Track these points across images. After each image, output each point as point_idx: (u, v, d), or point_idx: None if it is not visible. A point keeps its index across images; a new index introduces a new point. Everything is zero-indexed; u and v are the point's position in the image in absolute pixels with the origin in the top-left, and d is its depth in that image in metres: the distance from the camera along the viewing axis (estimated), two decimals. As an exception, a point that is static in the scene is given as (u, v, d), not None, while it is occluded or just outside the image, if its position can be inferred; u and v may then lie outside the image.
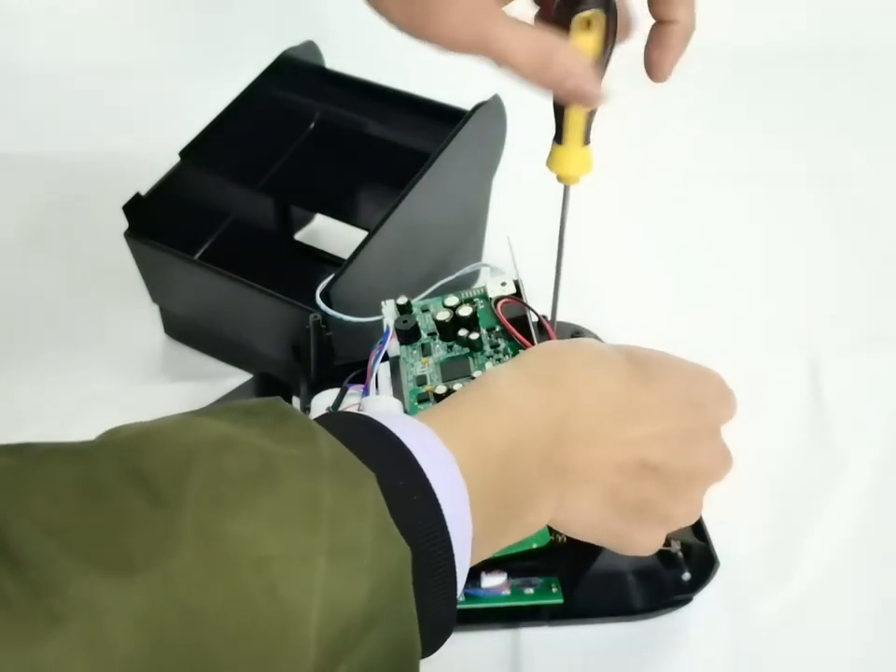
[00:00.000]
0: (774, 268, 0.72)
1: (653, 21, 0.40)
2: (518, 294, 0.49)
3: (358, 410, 0.41)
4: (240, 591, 0.25)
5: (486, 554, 0.35)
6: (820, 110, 0.86)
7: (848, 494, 0.56)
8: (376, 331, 0.50)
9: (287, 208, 0.72)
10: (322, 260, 0.72)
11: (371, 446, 0.31)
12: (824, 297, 0.69)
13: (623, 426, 0.37)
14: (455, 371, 0.47)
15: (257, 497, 0.26)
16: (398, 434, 0.31)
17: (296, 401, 0.57)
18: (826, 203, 0.77)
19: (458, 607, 0.32)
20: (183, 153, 0.64)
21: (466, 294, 0.50)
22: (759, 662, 0.49)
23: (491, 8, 0.37)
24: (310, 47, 0.71)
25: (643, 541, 0.40)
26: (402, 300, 0.50)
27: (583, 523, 0.38)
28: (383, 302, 0.50)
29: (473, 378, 0.46)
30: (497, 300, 0.49)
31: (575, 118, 0.41)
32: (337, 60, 0.72)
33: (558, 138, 0.43)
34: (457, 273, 0.53)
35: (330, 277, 0.54)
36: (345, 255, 0.56)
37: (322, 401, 0.50)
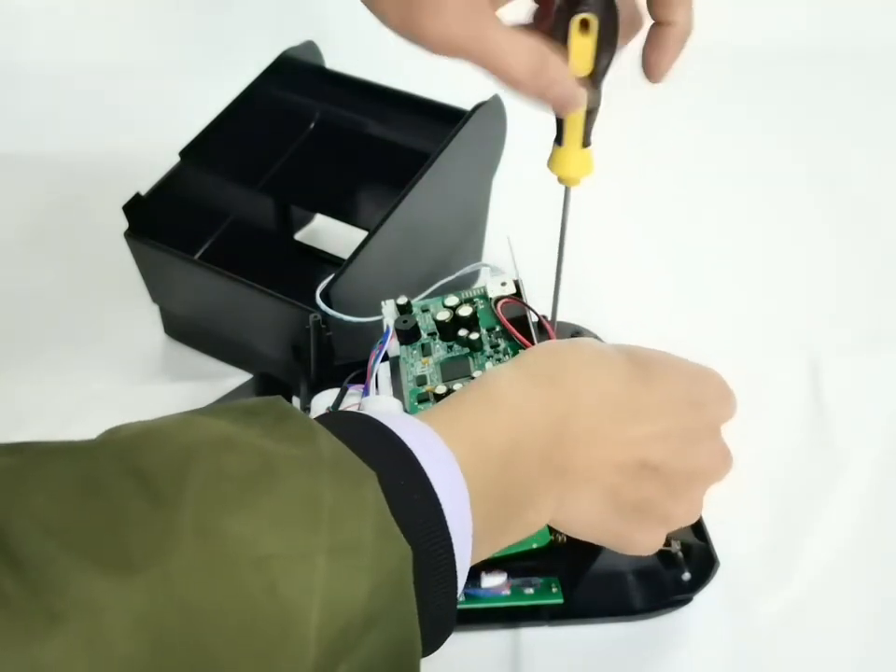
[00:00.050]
0: (774, 268, 0.72)
1: (652, 22, 0.40)
2: (518, 294, 0.49)
3: (358, 410, 0.41)
4: (240, 590, 0.25)
5: (486, 554, 0.35)
6: (820, 110, 0.86)
7: (848, 494, 0.56)
8: (376, 331, 0.50)
9: (287, 208, 0.72)
10: (322, 260, 0.72)
11: (372, 445, 0.31)
12: (824, 297, 0.69)
13: (623, 425, 0.37)
14: (454, 370, 0.47)
15: (257, 496, 0.26)
16: (398, 433, 0.31)
17: (296, 401, 0.57)
18: (826, 203, 0.77)
19: (458, 607, 0.32)
20: (183, 153, 0.64)
21: (466, 294, 0.50)
22: (759, 662, 0.49)
23: (485, 11, 0.37)
24: (310, 47, 0.71)
25: (643, 541, 0.40)
26: (402, 300, 0.50)
27: (583, 522, 0.38)
28: (383, 302, 0.50)
29: (473, 378, 0.46)
30: (497, 300, 0.49)
31: (576, 119, 0.41)
32: (337, 60, 0.72)
33: (559, 140, 0.43)
34: (457, 273, 0.53)
35: (330, 277, 0.54)
36: (345, 255, 0.56)
37: (322, 401, 0.50)
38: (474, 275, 0.60)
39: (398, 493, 0.29)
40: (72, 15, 0.91)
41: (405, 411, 0.46)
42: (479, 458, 0.34)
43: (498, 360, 0.47)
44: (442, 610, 0.31)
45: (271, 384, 0.58)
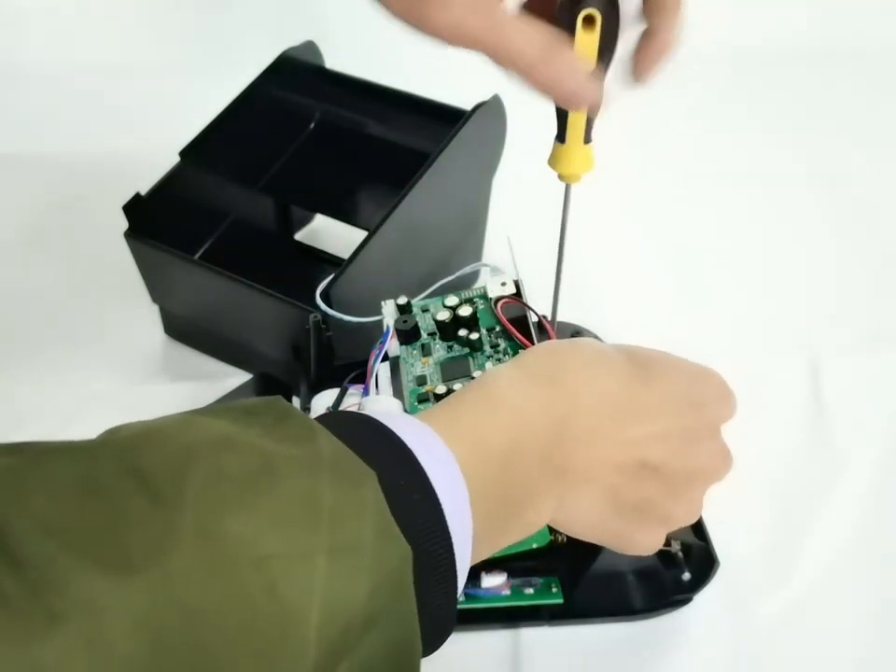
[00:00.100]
0: (774, 268, 0.72)
1: (643, 26, 0.40)
2: (518, 294, 0.49)
3: (358, 410, 0.41)
4: (240, 590, 0.25)
5: (486, 554, 0.35)
6: (820, 110, 0.86)
7: (848, 494, 0.56)
8: (376, 331, 0.50)
9: (287, 208, 0.72)
10: (322, 260, 0.72)
11: (372, 445, 0.31)
12: (824, 297, 0.69)
13: (623, 426, 0.37)
14: (455, 370, 0.47)
15: (257, 496, 0.26)
16: (398, 433, 0.31)
17: (296, 401, 0.57)
18: (826, 202, 0.77)
19: (458, 607, 0.32)
20: (183, 153, 0.64)
21: (466, 294, 0.51)
22: (759, 662, 0.49)
23: (495, 0, 0.37)
24: (310, 47, 0.71)
25: (643, 541, 0.40)
26: (402, 300, 0.50)
27: (583, 522, 0.38)
28: (383, 302, 0.50)
29: (473, 378, 0.46)
30: (497, 300, 0.49)
31: (577, 116, 0.41)
32: (337, 60, 0.72)
33: (560, 137, 0.43)
34: (457, 273, 0.53)
35: (330, 277, 0.54)
36: (345, 255, 0.56)
37: (322, 401, 0.50)
38: (474, 275, 0.60)
39: (398, 493, 0.29)
40: (72, 15, 0.91)
41: (405, 411, 0.46)
42: (479, 458, 0.34)
43: (498, 360, 0.47)
44: (442, 610, 0.31)
45: (271, 384, 0.58)
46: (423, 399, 0.46)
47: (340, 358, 0.54)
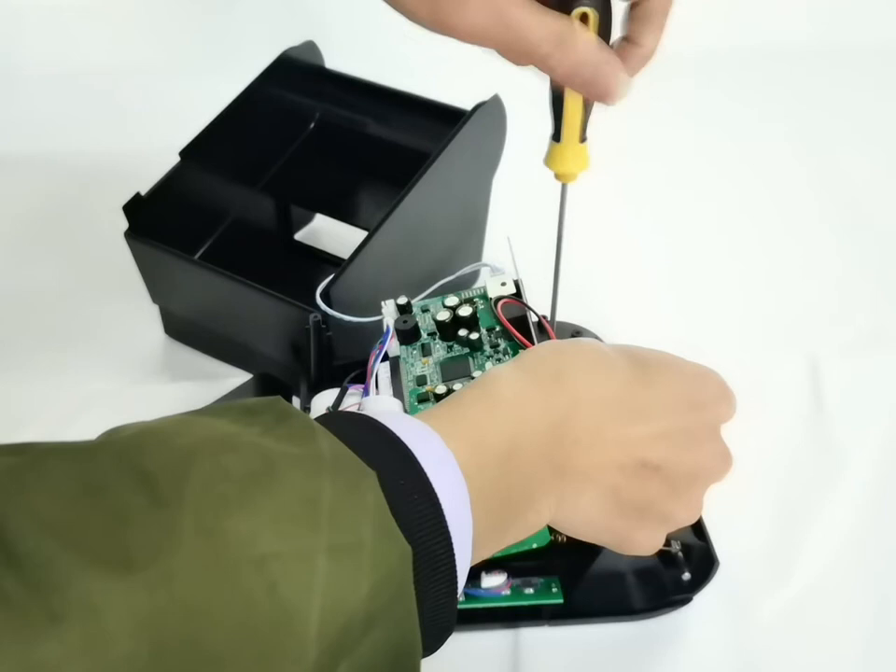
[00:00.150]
0: (774, 268, 0.72)
1: (622, 35, 0.40)
2: (518, 294, 0.49)
3: (358, 410, 0.41)
4: (240, 590, 0.25)
5: (487, 554, 0.35)
6: (820, 109, 0.86)
7: (848, 494, 0.56)
8: (376, 331, 0.50)
9: (287, 208, 0.72)
10: (322, 260, 0.72)
11: (372, 445, 0.31)
12: (824, 297, 0.69)
13: (623, 426, 0.37)
14: (455, 371, 0.47)
15: (257, 495, 0.26)
16: (398, 433, 0.31)
17: (296, 401, 0.57)
18: (826, 202, 0.77)
19: (458, 607, 0.32)
20: (183, 153, 0.64)
21: (466, 294, 0.51)
22: (759, 662, 0.49)
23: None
24: (310, 47, 0.71)
25: (643, 541, 0.40)
26: (402, 300, 0.50)
27: (584, 522, 0.38)
28: (383, 302, 0.50)
29: (473, 378, 0.46)
30: (497, 300, 0.49)
31: (572, 114, 0.41)
32: (337, 60, 0.72)
33: (556, 136, 0.43)
34: (457, 273, 0.53)
35: (330, 277, 0.54)
36: (345, 255, 0.56)
37: (322, 401, 0.50)
38: (474, 275, 0.60)
39: (398, 492, 0.29)
40: (72, 15, 0.91)
41: (405, 411, 0.46)
42: (479, 458, 0.34)
43: (498, 360, 0.47)
44: (443, 610, 0.31)
45: (271, 384, 0.58)
46: (423, 399, 0.46)
47: (340, 358, 0.54)
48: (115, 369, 0.67)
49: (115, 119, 0.85)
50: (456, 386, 0.46)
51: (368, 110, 0.71)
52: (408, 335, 0.49)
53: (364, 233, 0.58)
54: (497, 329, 0.49)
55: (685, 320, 0.67)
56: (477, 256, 0.71)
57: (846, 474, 0.57)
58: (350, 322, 0.51)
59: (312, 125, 0.73)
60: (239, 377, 0.63)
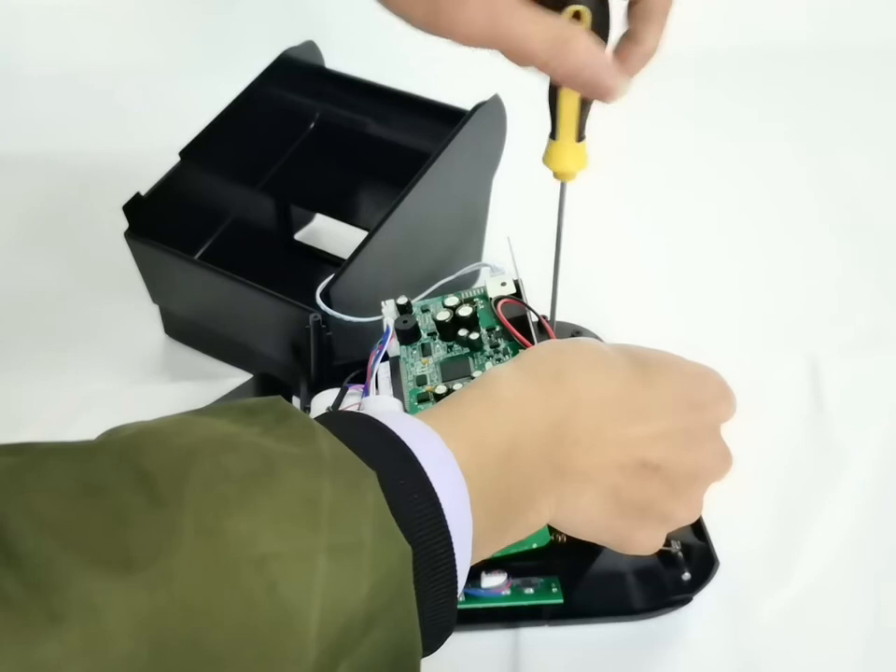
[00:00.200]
0: (774, 267, 0.72)
1: (624, 32, 0.40)
2: (518, 294, 0.49)
3: (358, 410, 0.41)
4: (240, 590, 0.25)
5: (487, 554, 0.35)
6: (820, 109, 0.86)
7: (848, 494, 0.56)
8: (376, 331, 0.50)
9: (287, 208, 0.72)
10: (322, 260, 0.72)
11: (372, 445, 0.31)
12: (824, 297, 0.69)
13: (623, 426, 0.37)
14: (455, 371, 0.47)
15: (257, 495, 0.26)
16: (398, 433, 0.31)
17: (296, 401, 0.57)
18: (826, 202, 0.77)
19: (458, 606, 0.32)
20: (183, 153, 0.64)
21: (466, 294, 0.51)
22: (759, 662, 0.49)
23: (505, 0, 0.37)
24: (310, 47, 0.71)
25: (643, 541, 0.40)
26: (402, 300, 0.50)
27: (584, 522, 0.38)
28: (383, 302, 0.50)
29: (473, 378, 0.46)
30: (497, 300, 0.49)
31: (568, 112, 0.41)
32: (337, 60, 0.72)
33: (553, 134, 0.43)
34: (457, 273, 0.53)
35: (330, 277, 0.54)
36: (345, 255, 0.56)
37: (322, 401, 0.50)
38: (474, 275, 0.60)
39: (398, 492, 0.29)
40: (72, 15, 0.91)
41: (405, 411, 0.46)
42: (479, 458, 0.34)
43: (498, 360, 0.47)
44: (443, 610, 0.31)
45: (271, 384, 0.58)
46: (423, 399, 0.46)
47: (340, 358, 0.54)
48: (115, 369, 0.67)
49: (115, 119, 0.85)
50: (456, 386, 0.46)
51: (368, 110, 0.71)
52: (408, 335, 0.49)
53: (364, 233, 0.58)
54: (497, 329, 0.49)
55: (685, 320, 0.67)
56: (477, 256, 0.71)
57: (846, 474, 0.57)
58: (350, 322, 0.51)
59: (312, 125, 0.73)
60: (239, 377, 0.63)
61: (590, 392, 0.37)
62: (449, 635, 0.32)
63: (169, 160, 0.64)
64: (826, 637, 0.49)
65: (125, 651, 0.23)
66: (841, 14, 0.91)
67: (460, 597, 0.37)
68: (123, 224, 0.61)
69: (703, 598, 0.49)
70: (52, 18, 0.91)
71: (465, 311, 0.48)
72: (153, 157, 0.64)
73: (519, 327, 0.48)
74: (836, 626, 0.50)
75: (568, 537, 0.41)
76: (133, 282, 0.65)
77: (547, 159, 0.43)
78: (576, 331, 0.56)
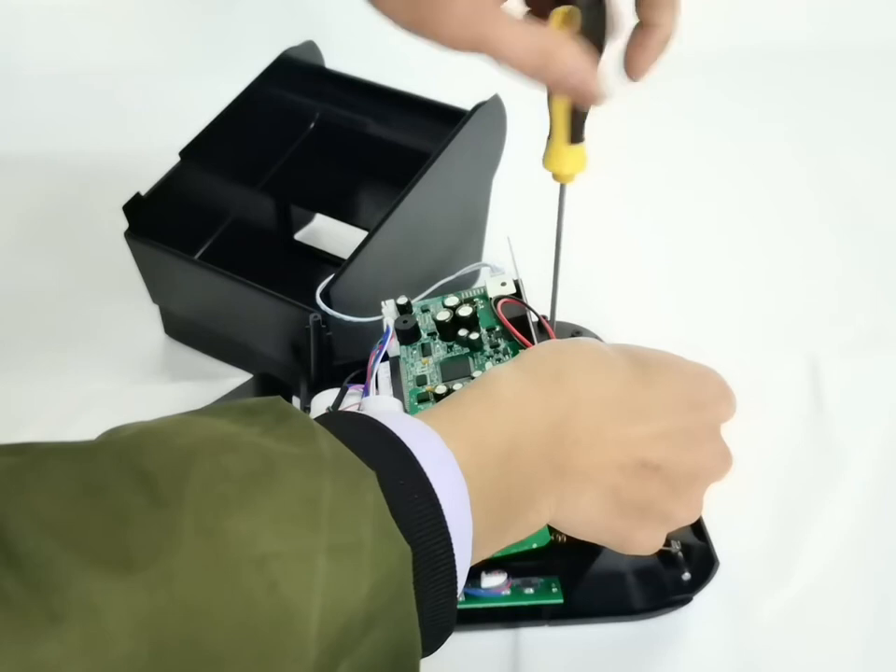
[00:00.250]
0: (774, 267, 0.72)
1: (636, 22, 0.40)
2: (518, 294, 0.49)
3: (358, 410, 0.41)
4: (241, 589, 0.25)
5: (487, 554, 0.35)
6: (820, 109, 0.86)
7: (848, 494, 0.56)
8: (376, 331, 0.50)
9: (287, 208, 0.72)
10: (322, 260, 0.72)
11: (372, 445, 0.31)
12: (824, 297, 0.69)
13: (623, 426, 0.37)
14: (455, 370, 0.47)
15: (257, 495, 0.26)
16: (398, 433, 0.31)
17: (296, 401, 0.57)
18: (826, 202, 0.77)
19: (458, 607, 0.32)
20: (183, 153, 0.64)
21: (466, 294, 0.51)
22: (759, 662, 0.49)
23: (491, 9, 0.37)
24: (310, 47, 0.71)
25: (643, 541, 0.40)
26: (402, 300, 0.50)
27: (584, 522, 0.38)
28: (383, 302, 0.50)
29: (473, 378, 0.46)
30: (497, 300, 0.49)
31: (557, 114, 0.41)
32: (337, 60, 0.72)
33: (550, 137, 0.43)
34: (457, 273, 0.53)
35: (330, 277, 0.54)
36: (345, 255, 0.56)
37: (322, 401, 0.50)
38: (474, 275, 0.60)
39: (397, 492, 0.29)
40: (72, 15, 0.91)
41: (405, 411, 0.46)
42: (479, 458, 0.34)
43: (498, 360, 0.47)
44: (442, 610, 0.31)
45: (271, 384, 0.58)
46: (423, 399, 0.46)
47: (340, 358, 0.54)
48: (115, 369, 0.67)
49: (115, 119, 0.85)
50: (456, 386, 0.46)
51: (368, 110, 0.71)
52: (408, 335, 0.49)
53: (364, 233, 0.58)
54: (497, 328, 0.49)
55: (685, 320, 0.67)
56: (477, 256, 0.71)
57: (846, 474, 0.57)
58: (350, 322, 0.51)
59: (312, 125, 0.73)
60: (239, 377, 0.63)
61: (590, 392, 0.37)
62: (449, 635, 0.32)
63: (169, 160, 0.64)
64: (826, 637, 0.49)
65: (125, 650, 0.23)
66: (841, 14, 0.91)
67: (460, 597, 0.37)
68: (123, 224, 0.61)
69: (703, 598, 0.49)
70: (52, 18, 0.91)
71: (465, 311, 0.48)
72: (153, 157, 0.64)
73: (519, 327, 0.48)
74: (836, 626, 0.50)
75: (568, 537, 0.41)
76: (133, 282, 0.65)
77: (546, 161, 0.43)
78: (576, 331, 0.56)
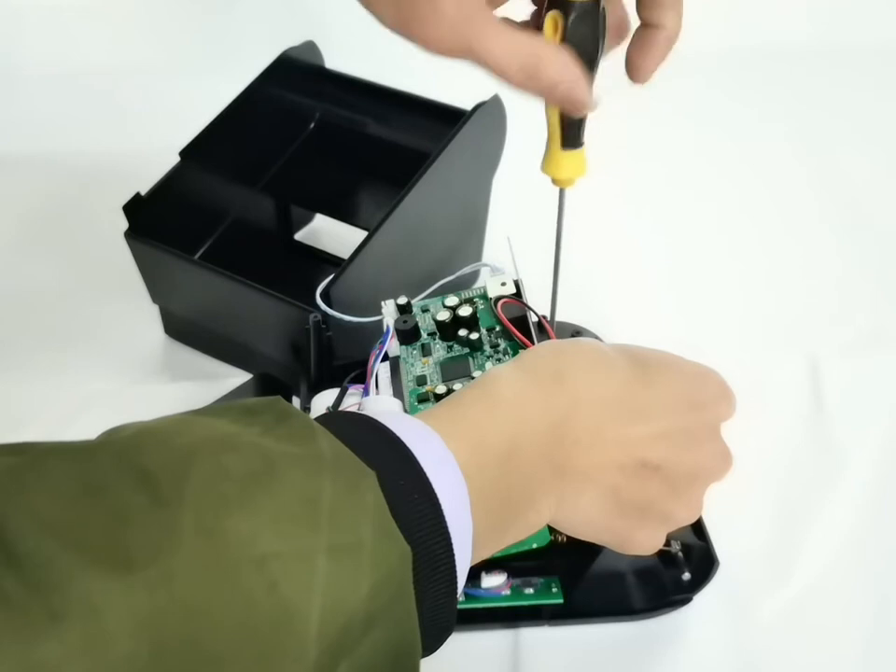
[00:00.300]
0: (774, 267, 0.72)
1: (639, 24, 0.40)
2: (518, 294, 0.49)
3: (358, 410, 0.41)
4: (241, 589, 0.25)
5: (487, 554, 0.35)
6: (820, 109, 0.86)
7: (848, 494, 0.56)
8: (376, 331, 0.50)
9: (287, 208, 0.72)
10: (322, 260, 0.72)
11: (372, 445, 0.31)
12: (824, 297, 0.69)
13: (623, 426, 0.37)
14: (455, 370, 0.47)
15: (257, 495, 0.26)
16: (398, 433, 0.31)
17: (296, 401, 0.57)
18: (826, 202, 0.77)
19: (458, 607, 0.32)
20: (183, 153, 0.64)
21: (466, 294, 0.51)
22: (759, 662, 0.49)
23: (478, 15, 0.37)
24: (310, 47, 0.71)
25: (643, 541, 0.40)
26: (402, 300, 0.50)
27: (584, 522, 0.38)
28: (383, 302, 0.50)
29: (473, 378, 0.46)
30: (497, 300, 0.49)
31: (554, 122, 0.41)
32: (337, 60, 0.72)
33: (549, 141, 0.42)
34: (457, 273, 0.53)
35: (330, 277, 0.54)
36: (345, 255, 0.56)
37: (322, 401, 0.50)
38: (474, 275, 0.60)
39: (397, 493, 0.29)
40: (72, 15, 0.91)
41: (405, 411, 0.46)
42: (479, 458, 0.34)
43: (498, 360, 0.47)
44: (442, 610, 0.31)
45: (271, 384, 0.58)
46: (423, 399, 0.46)
47: (340, 358, 0.54)
48: (115, 369, 0.67)
49: (115, 119, 0.85)
50: (456, 386, 0.46)
51: (368, 110, 0.71)
52: (408, 335, 0.49)
53: (364, 233, 0.58)
54: (497, 329, 0.49)
55: (685, 320, 0.67)
56: (477, 256, 0.71)
57: (846, 474, 0.57)
58: (350, 322, 0.51)
59: (312, 125, 0.73)
60: (239, 377, 0.63)
61: (590, 392, 0.37)
62: (449, 635, 0.32)
63: (169, 160, 0.64)
64: (826, 637, 0.49)
65: (125, 650, 0.23)
66: (841, 14, 0.91)
67: (460, 597, 0.37)
68: (123, 224, 0.61)
69: (703, 598, 0.49)
70: (52, 18, 0.91)
71: (465, 311, 0.48)
72: (153, 157, 0.64)
73: (519, 327, 0.48)
74: (836, 626, 0.50)
75: (568, 537, 0.41)
76: (133, 282, 0.65)
77: (545, 166, 0.43)
78: (576, 331, 0.56)
